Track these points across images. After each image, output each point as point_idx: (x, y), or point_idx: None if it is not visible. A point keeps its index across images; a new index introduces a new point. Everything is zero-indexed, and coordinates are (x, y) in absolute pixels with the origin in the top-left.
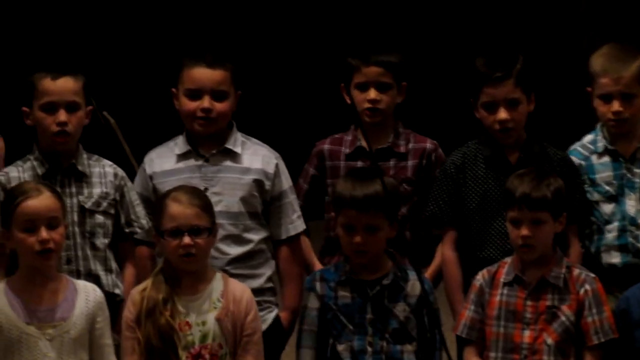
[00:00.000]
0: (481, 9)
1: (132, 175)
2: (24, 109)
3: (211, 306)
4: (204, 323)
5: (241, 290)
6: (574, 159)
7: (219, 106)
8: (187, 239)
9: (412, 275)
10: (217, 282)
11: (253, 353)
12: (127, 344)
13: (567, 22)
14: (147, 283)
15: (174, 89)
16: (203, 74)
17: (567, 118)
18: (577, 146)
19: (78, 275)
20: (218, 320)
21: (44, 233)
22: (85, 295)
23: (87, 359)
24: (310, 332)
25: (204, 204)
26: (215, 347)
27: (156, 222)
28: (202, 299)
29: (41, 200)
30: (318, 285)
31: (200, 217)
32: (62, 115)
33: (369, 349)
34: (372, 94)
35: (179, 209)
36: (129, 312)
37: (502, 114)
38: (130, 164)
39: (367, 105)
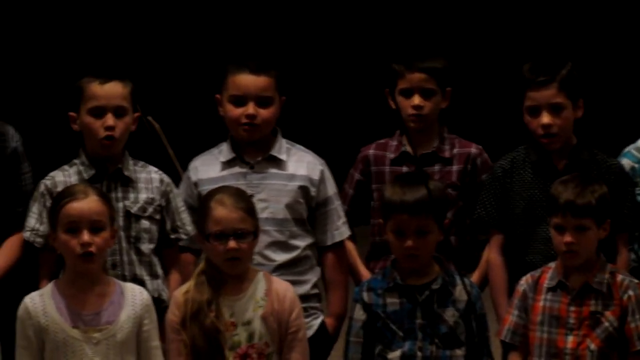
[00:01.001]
0: (535, 14)
1: (177, 181)
2: (71, 113)
3: (255, 305)
4: (249, 322)
5: (284, 288)
6: (627, 161)
7: (264, 112)
8: (232, 244)
9: (460, 280)
10: (260, 281)
11: (299, 350)
12: (172, 347)
13: (622, 27)
14: (190, 285)
15: (218, 96)
16: (247, 81)
17: (623, 124)
18: (630, 148)
19: (124, 280)
20: (263, 318)
21: (85, 236)
22: (132, 298)
23: None
24: (356, 343)
25: (248, 207)
26: (262, 346)
27: (200, 224)
28: (246, 299)
29: (86, 203)
30: (365, 296)
31: (244, 220)
32: (110, 120)
33: (419, 354)
34: (416, 100)
35: (224, 213)
36: (173, 315)
37: (545, 119)
38: (175, 170)
39: (411, 111)
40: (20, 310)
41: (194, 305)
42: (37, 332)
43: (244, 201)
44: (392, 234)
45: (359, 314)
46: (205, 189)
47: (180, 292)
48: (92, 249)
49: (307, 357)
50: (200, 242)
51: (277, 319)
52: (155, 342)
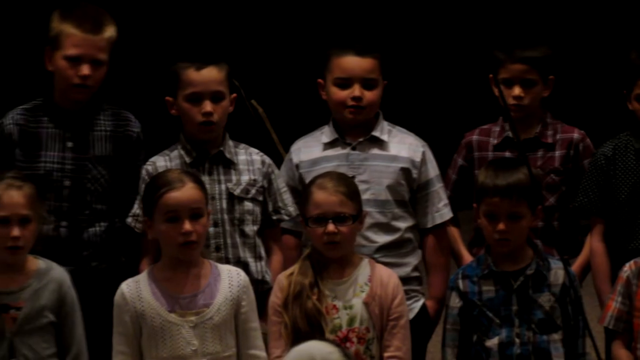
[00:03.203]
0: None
1: (279, 163)
2: (168, 98)
3: (358, 290)
4: (351, 307)
5: (388, 275)
6: None
7: (369, 95)
8: (331, 227)
9: (554, 264)
10: (364, 267)
11: (400, 337)
12: (273, 329)
13: None
14: (295, 268)
15: (320, 80)
16: (353, 63)
17: None
18: None
19: (227, 263)
20: (365, 304)
21: (187, 225)
22: (229, 280)
23: (233, 344)
24: (453, 331)
25: (350, 191)
26: (363, 331)
27: (302, 209)
28: (349, 284)
29: (184, 192)
30: (460, 283)
31: (344, 204)
32: (208, 106)
33: (517, 340)
34: (517, 90)
35: (324, 196)
36: (275, 297)
37: None
38: (278, 152)
39: (512, 101)
40: (117, 297)
41: (296, 287)
42: (133, 317)
43: (346, 185)
44: (485, 217)
45: (455, 301)
46: (306, 170)
47: (285, 275)
48: (194, 237)
49: (409, 345)
50: (302, 226)
51: (380, 305)
52: (254, 324)
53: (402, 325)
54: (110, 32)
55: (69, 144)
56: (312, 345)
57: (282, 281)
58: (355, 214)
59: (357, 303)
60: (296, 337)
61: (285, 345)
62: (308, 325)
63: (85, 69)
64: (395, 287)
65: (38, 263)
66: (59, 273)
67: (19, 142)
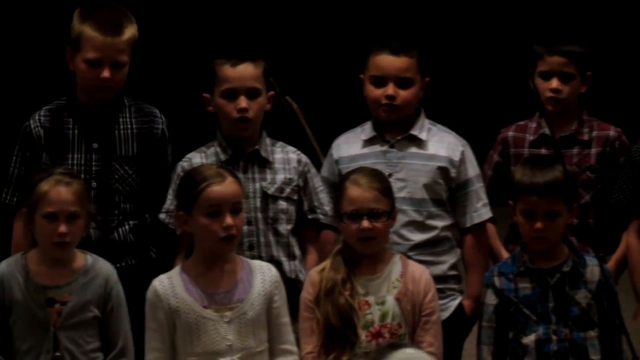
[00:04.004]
0: None
1: (315, 161)
2: (205, 95)
3: (390, 286)
4: (383, 303)
5: (420, 271)
6: None
7: (403, 93)
8: (365, 223)
9: (590, 261)
10: (396, 264)
11: (432, 333)
12: (305, 325)
13: None
14: (326, 264)
15: (362, 76)
16: (388, 61)
17: None
18: None
19: None
20: (397, 299)
21: (229, 219)
22: (261, 275)
23: (266, 339)
24: (489, 328)
25: (384, 187)
26: (395, 327)
27: (336, 204)
28: (381, 280)
29: (226, 186)
30: (496, 281)
31: (379, 200)
32: (243, 102)
33: (554, 337)
34: (555, 83)
35: (358, 192)
36: (307, 293)
37: None
38: (314, 149)
39: (550, 94)
40: (150, 294)
41: (328, 283)
42: (167, 314)
43: (379, 181)
44: (522, 215)
45: (491, 298)
46: (345, 166)
47: (316, 271)
48: (234, 231)
49: (441, 341)
50: (336, 223)
51: (412, 301)
52: (286, 319)
53: (434, 321)
54: (130, 32)
55: (95, 145)
56: (412, 353)
57: (313, 277)
58: (389, 210)
59: (390, 299)
60: (328, 333)
61: (317, 341)
62: (340, 321)
63: (105, 72)
64: (427, 283)
65: (85, 258)
66: (106, 268)
67: (45, 145)
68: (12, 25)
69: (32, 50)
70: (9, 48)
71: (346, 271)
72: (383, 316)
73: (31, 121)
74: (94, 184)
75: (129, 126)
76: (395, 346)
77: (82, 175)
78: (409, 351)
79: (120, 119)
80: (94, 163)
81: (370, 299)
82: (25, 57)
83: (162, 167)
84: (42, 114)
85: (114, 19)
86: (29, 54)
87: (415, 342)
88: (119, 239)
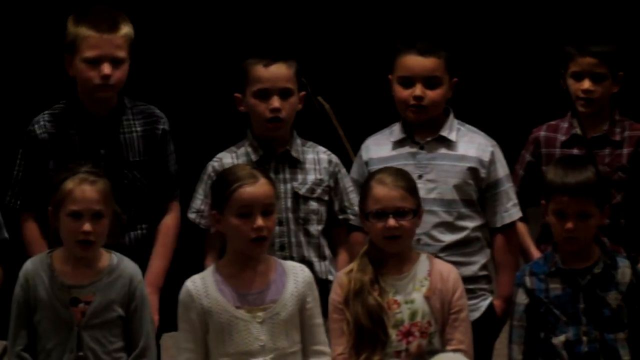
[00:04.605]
0: None
1: (346, 161)
2: (237, 95)
3: (418, 285)
4: (412, 301)
5: (448, 269)
6: None
7: (431, 94)
8: (391, 221)
9: (622, 263)
10: (423, 262)
11: (461, 330)
12: (335, 326)
13: None
14: (353, 265)
15: (390, 76)
16: (415, 62)
17: None
18: None
19: None
20: (426, 298)
21: (259, 220)
22: (294, 276)
23: (298, 340)
24: (519, 327)
25: (409, 186)
26: (425, 325)
27: (362, 204)
28: (409, 279)
29: (258, 187)
30: (527, 280)
31: (405, 199)
32: (275, 102)
33: (584, 338)
34: (586, 84)
35: (384, 191)
36: (336, 295)
37: None
38: (345, 150)
39: (581, 95)
40: (182, 294)
41: (357, 284)
42: (200, 314)
43: (405, 180)
44: (553, 215)
45: (521, 298)
46: (375, 168)
47: (344, 272)
48: (264, 233)
49: (470, 338)
50: (362, 222)
51: (440, 299)
52: (318, 320)
53: (464, 319)
54: (125, 29)
55: (102, 151)
56: (452, 357)
57: (341, 278)
58: (415, 209)
59: (418, 297)
60: (358, 333)
61: (347, 342)
62: (370, 321)
63: (105, 68)
64: (455, 281)
65: (110, 257)
66: (131, 268)
67: (51, 152)
68: (10, 29)
69: (29, 53)
70: (7, 52)
71: (373, 272)
72: (412, 315)
73: (36, 126)
74: None
75: (133, 129)
76: (433, 352)
77: None
78: (449, 355)
79: (124, 122)
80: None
81: (399, 298)
82: (23, 60)
83: (163, 167)
84: (45, 119)
85: (108, 17)
86: (26, 58)
87: (445, 340)
88: (129, 243)
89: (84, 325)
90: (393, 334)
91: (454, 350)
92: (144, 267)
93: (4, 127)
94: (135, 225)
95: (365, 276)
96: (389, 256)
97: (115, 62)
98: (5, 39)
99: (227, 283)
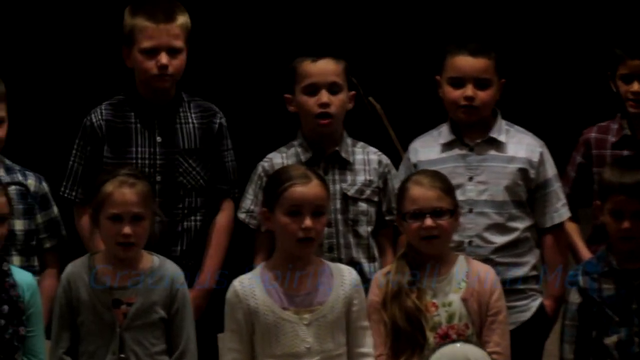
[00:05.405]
0: None
1: (397, 162)
2: (286, 95)
3: (455, 287)
4: (449, 304)
5: (485, 270)
6: None
7: (482, 94)
8: (428, 221)
9: None
10: (461, 264)
11: (499, 333)
12: (374, 327)
13: None
14: (392, 266)
15: (437, 77)
16: (466, 62)
17: None
18: None
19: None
20: (464, 300)
21: (308, 221)
22: (341, 278)
23: (344, 342)
24: (571, 327)
25: (446, 186)
26: (462, 327)
27: (399, 205)
28: (447, 281)
29: (310, 188)
30: (581, 280)
31: (441, 199)
32: (324, 96)
33: (636, 339)
34: (636, 86)
35: (420, 192)
36: (374, 295)
37: None
38: (396, 150)
39: (631, 96)
40: (229, 294)
41: (395, 286)
42: (246, 315)
43: (441, 181)
44: (609, 215)
45: (574, 297)
46: None
47: (382, 273)
48: (312, 234)
49: (508, 340)
50: (399, 224)
51: (478, 301)
52: (364, 322)
53: (501, 321)
54: (182, 19)
55: (159, 139)
56: (467, 348)
57: (379, 279)
58: (452, 209)
59: (456, 300)
60: (396, 335)
61: (385, 344)
62: (408, 323)
63: (163, 58)
64: (492, 283)
65: (152, 259)
66: (173, 270)
67: (107, 138)
68: (69, 23)
69: (87, 47)
70: (65, 45)
71: (411, 274)
72: (450, 317)
73: (92, 115)
74: (158, 178)
75: (190, 120)
76: (443, 344)
77: (146, 170)
78: (457, 345)
79: (181, 114)
80: (158, 157)
81: (437, 300)
82: (81, 54)
83: (219, 161)
84: (103, 108)
85: (164, 7)
86: (84, 52)
87: (482, 342)
88: (183, 233)
89: (126, 327)
90: (430, 336)
91: (491, 353)
92: (193, 258)
93: (66, 122)
94: (189, 216)
95: (403, 278)
96: (427, 258)
97: (173, 52)
98: (64, 35)
99: (275, 284)
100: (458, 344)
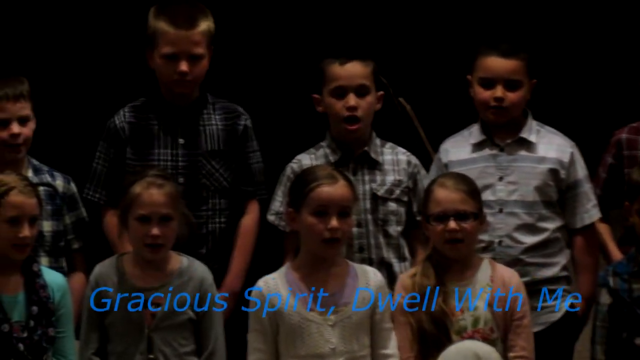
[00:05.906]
0: None
1: (427, 162)
2: (315, 96)
3: (480, 291)
4: (475, 308)
5: (510, 274)
6: None
7: (512, 95)
8: (452, 224)
9: None
10: (485, 268)
11: (524, 337)
12: (400, 329)
13: None
14: (417, 269)
15: (469, 77)
16: (496, 63)
17: None
18: None
19: (370, 264)
20: (489, 304)
21: (334, 221)
22: (366, 280)
23: (368, 344)
24: (602, 328)
25: (470, 189)
26: (487, 332)
27: (423, 208)
28: (472, 285)
29: (337, 188)
30: (611, 280)
31: (465, 202)
32: (352, 100)
33: None
34: None
35: (445, 194)
36: (400, 297)
37: None
38: (426, 151)
39: None
40: (254, 294)
41: (421, 290)
42: (271, 315)
43: (466, 184)
44: (638, 216)
45: (605, 298)
46: (456, 170)
47: (407, 275)
48: (338, 234)
49: (532, 344)
50: (424, 226)
51: (503, 305)
52: (389, 324)
53: (526, 325)
54: (205, 25)
55: (181, 141)
56: (475, 344)
57: (405, 281)
58: (476, 212)
59: (481, 304)
60: (422, 338)
61: (412, 347)
62: (434, 326)
63: (183, 66)
64: (517, 287)
65: (181, 260)
66: (201, 271)
67: (130, 140)
68: (94, 25)
69: (113, 49)
70: (91, 47)
71: (436, 277)
72: (475, 321)
73: (115, 117)
74: (181, 180)
75: (213, 122)
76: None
77: (169, 171)
78: (466, 342)
79: (205, 115)
80: (180, 158)
81: (463, 304)
82: (106, 56)
83: (244, 162)
84: (126, 110)
85: (187, 12)
86: (110, 54)
87: (507, 347)
88: (207, 235)
89: (154, 328)
90: (456, 340)
91: (516, 357)
92: (218, 260)
93: (90, 125)
94: (213, 218)
95: (428, 281)
96: (452, 262)
97: (193, 58)
98: (90, 36)
99: (299, 284)
100: (466, 341)
